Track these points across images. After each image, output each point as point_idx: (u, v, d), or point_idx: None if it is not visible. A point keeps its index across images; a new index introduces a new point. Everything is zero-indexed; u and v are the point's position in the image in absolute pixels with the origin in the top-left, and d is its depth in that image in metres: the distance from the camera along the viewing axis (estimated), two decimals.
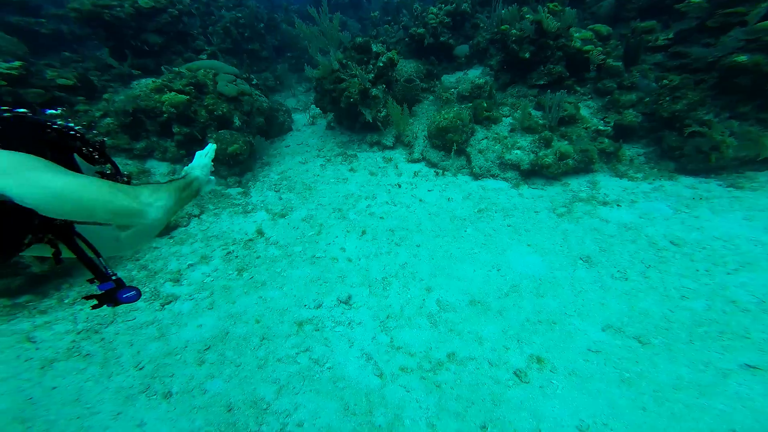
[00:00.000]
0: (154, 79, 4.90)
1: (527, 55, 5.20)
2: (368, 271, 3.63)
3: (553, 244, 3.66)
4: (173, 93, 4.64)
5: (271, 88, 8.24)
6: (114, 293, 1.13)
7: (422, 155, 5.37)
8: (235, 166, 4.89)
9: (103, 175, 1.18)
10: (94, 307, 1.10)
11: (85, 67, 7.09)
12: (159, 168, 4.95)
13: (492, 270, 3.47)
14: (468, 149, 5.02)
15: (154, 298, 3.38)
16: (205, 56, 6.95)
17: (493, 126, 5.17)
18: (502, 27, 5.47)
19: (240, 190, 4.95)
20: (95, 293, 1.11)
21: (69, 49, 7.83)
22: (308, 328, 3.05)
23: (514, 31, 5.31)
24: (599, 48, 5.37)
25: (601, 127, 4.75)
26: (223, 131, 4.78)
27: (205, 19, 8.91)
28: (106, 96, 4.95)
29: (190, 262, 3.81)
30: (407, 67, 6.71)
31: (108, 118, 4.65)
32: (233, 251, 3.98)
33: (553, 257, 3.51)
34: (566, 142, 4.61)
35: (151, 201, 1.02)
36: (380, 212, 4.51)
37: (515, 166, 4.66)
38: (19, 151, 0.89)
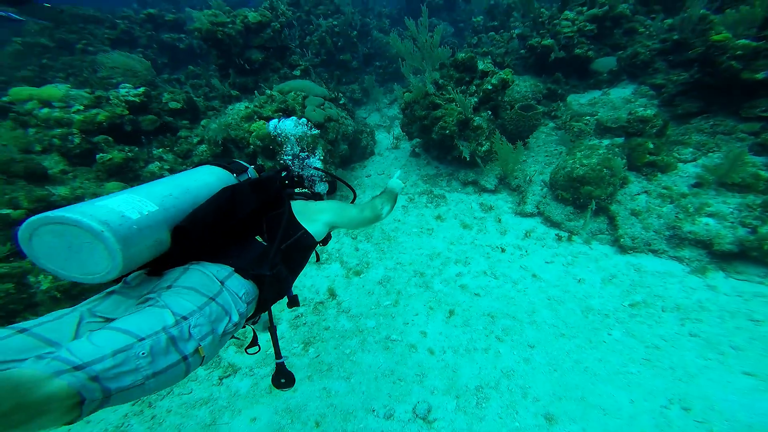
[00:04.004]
0: (246, 104, 4.73)
1: (761, 75, 3.43)
2: (456, 372, 2.80)
3: None
4: (261, 122, 4.37)
5: (357, 100, 7.78)
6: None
7: (538, 208, 4.12)
8: None
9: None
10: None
11: (199, 84, 7.65)
12: None
13: (671, 406, 2.38)
14: (612, 207, 3.59)
15: (214, 367, 3.06)
16: (298, 71, 6.76)
17: (659, 176, 3.62)
18: (715, 36, 3.71)
19: None
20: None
21: (197, 63, 8.59)
22: None
23: (741, 42, 3.51)
24: None
25: None
26: None
27: (305, 28, 8.91)
28: (203, 122, 4.97)
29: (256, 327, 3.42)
30: (521, 86, 5.40)
31: (202, 146, 4.64)
32: (302, 315, 3.48)
33: None
34: None
35: (382, 208, 1.70)
36: (475, 286, 3.55)
37: (701, 243, 3.12)
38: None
